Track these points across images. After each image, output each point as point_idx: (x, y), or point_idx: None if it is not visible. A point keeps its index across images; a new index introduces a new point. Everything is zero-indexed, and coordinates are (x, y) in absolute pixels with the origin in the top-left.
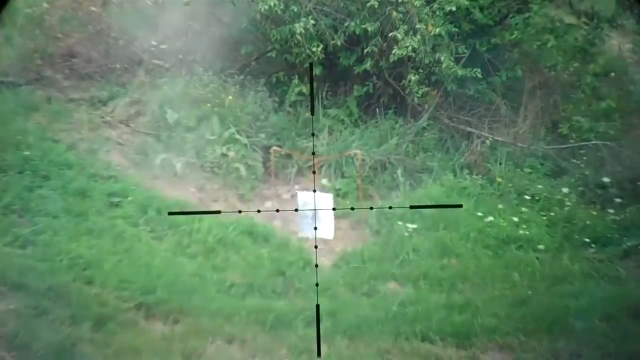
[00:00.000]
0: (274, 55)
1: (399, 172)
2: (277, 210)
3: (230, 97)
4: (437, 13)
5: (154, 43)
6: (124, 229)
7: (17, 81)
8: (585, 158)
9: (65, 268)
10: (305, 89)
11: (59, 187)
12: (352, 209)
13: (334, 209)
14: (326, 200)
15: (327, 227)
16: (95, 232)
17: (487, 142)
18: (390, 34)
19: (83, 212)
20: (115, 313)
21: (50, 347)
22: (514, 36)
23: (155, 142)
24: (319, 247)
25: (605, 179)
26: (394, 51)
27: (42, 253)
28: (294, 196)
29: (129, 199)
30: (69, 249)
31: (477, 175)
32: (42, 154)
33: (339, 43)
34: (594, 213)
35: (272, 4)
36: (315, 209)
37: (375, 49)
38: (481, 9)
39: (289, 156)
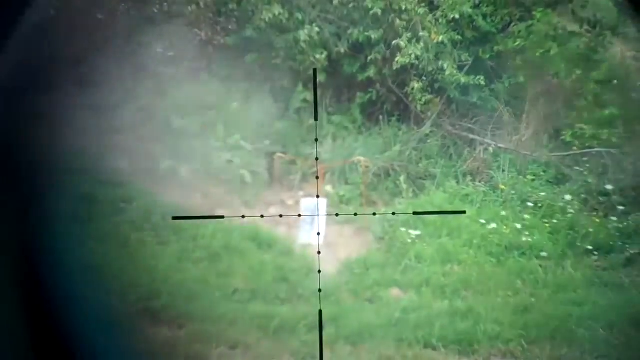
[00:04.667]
0: (278, 63)
1: (402, 178)
2: (281, 216)
3: (235, 104)
4: (440, 21)
5: (160, 50)
6: (129, 234)
7: (24, 87)
8: (588, 165)
9: None
10: (310, 96)
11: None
12: (355, 214)
13: (336, 214)
14: (322, 205)
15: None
16: (100, 237)
17: (490, 149)
18: (393, 42)
19: (89, 218)
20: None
21: None
22: (517, 44)
23: (161, 148)
24: (321, 253)
25: (608, 187)
26: (397, 59)
27: None
28: (298, 202)
29: (134, 204)
30: None
31: (480, 182)
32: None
33: (342, 50)
34: (597, 220)
35: (276, 12)
36: (318, 215)
37: (379, 57)
38: (484, 16)
39: (293, 162)
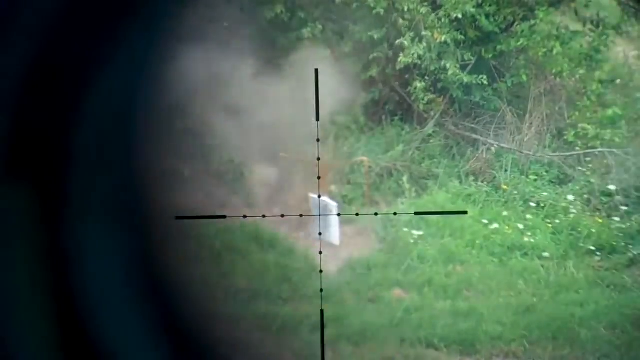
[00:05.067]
0: (280, 62)
1: (404, 178)
2: (282, 216)
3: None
4: (443, 20)
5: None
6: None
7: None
8: (591, 165)
9: None
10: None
11: None
12: (357, 214)
13: (338, 214)
14: (331, 206)
15: (333, 232)
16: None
17: (493, 149)
18: (396, 41)
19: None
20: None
21: None
22: (519, 43)
23: (162, 148)
24: (323, 253)
25: (611, 187)
26: (399, 58)
27: None
28: (299, 202)
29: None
30: None
31: (482, 182)
32: None
33: (345, 50)
34: (600, 221)
35: (279, 11)
36: (320, 215)
37: (381, 56)
38: (487, 16)
39: (294, 162)
